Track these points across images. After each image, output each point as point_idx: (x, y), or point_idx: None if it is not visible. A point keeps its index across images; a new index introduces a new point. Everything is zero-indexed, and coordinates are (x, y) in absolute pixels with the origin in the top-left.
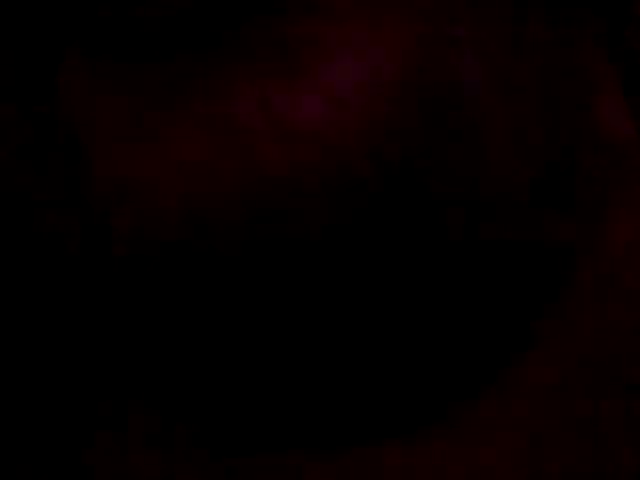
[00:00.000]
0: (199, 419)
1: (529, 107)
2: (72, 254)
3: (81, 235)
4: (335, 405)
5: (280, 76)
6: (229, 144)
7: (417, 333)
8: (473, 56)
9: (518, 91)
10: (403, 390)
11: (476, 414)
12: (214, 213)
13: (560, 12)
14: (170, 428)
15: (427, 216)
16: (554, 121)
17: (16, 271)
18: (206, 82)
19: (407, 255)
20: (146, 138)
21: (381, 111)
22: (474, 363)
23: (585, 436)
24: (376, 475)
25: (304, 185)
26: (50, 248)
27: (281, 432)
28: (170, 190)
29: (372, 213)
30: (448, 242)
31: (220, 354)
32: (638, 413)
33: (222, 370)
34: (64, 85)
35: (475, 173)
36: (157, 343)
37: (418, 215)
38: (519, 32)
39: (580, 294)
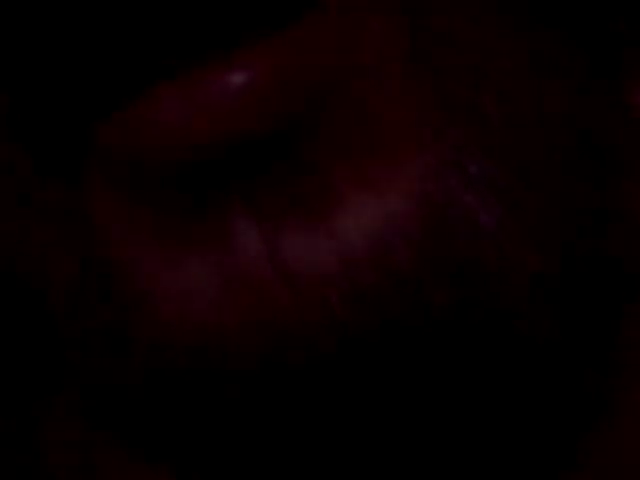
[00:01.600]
0: None
1: (549, 235)
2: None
3: (101, 342)
4: None
5: (290, 223)
6: (239, 287)
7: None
8: (489, 192)
9: (536, 222)
10: None
11: None
12: (223, 343)
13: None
14: None
15: (444, 362)
16: (577, 243)
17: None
18: (217, 226)
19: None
20: (166, 264)
21: (396, 259)
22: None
23: None
24: None
25: (312, 336)
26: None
27: None
28: (183, 319)
29: (380, 366)
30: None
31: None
32: None
33: None
34: (88, 201)
35: (495, 320)
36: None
37: (434, 365)
38: (531, 160)
39: None
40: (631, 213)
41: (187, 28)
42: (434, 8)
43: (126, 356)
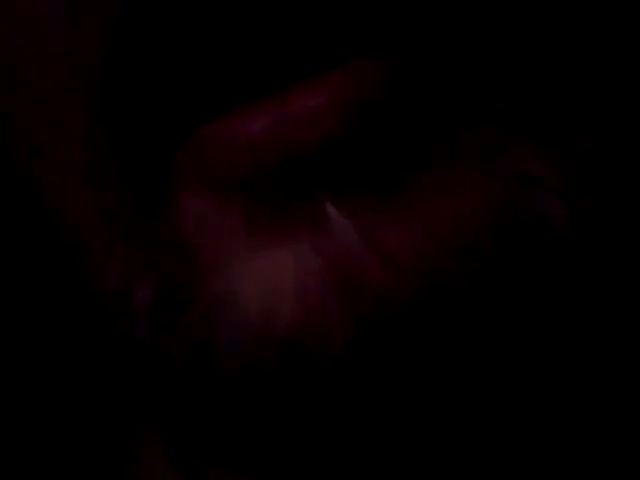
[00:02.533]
0: None
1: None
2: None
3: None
4: None
5: (381, 210)
6: (332, 265)
7: None
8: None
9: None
10: None
11: None
12: (315, 325)
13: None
14: None
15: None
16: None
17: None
18: (309, 215)
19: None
20: (255, 255)
21: (471, 245)
22: None
23: None
24: None
25: (401, 308)
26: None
27: None
28: (273, 310)
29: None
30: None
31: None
32: None
33: None
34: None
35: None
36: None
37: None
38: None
39: None
40: None
41: (280, 53)
42: None
43: (212, 361)
